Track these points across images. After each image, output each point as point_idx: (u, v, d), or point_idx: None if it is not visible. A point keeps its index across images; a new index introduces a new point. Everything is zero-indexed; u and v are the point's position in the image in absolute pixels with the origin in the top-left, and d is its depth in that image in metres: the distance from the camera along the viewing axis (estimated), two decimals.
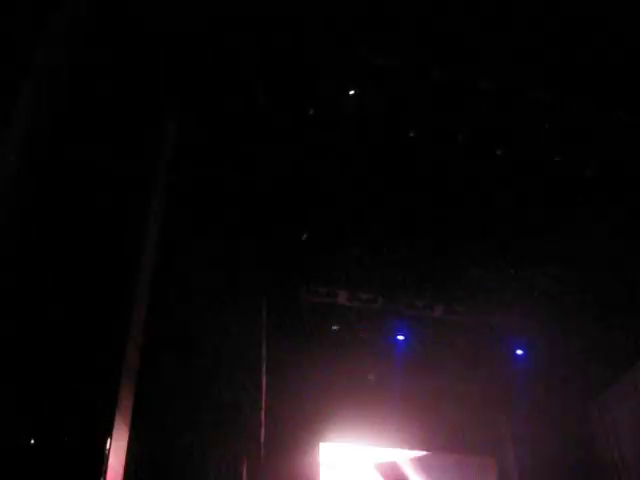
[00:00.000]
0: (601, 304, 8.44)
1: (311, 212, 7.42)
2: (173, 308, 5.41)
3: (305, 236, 7.50)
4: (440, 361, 8.93)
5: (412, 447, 9.63)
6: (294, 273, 8.11)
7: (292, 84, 6.43)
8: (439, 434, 9.39)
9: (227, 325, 6.34)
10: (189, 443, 5.36)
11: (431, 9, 6.19)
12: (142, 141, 5.03)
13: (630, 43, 6.25)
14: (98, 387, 3.70)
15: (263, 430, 6.78)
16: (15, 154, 4.25)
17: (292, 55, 6.25)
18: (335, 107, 6.63)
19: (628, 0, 6.04)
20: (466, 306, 8.71)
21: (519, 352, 9.27)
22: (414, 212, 7.49)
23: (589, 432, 9.40)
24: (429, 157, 7.08)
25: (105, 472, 3.53)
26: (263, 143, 6.63)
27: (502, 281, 8.37)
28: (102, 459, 3.53)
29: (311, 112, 6.42)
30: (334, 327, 8.80)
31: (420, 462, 9.63)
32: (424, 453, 9.68)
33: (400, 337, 9.08)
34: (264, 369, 7.20)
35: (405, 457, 9.67)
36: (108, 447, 3.60)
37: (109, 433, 3.63)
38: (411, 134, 6.80)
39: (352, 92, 6.43)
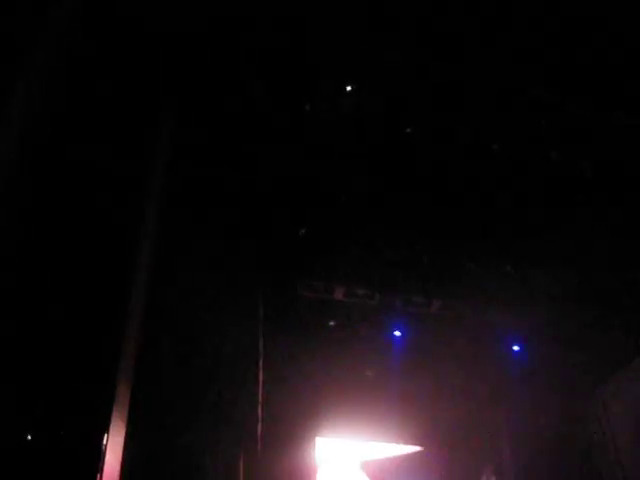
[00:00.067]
0: (601, 303, 8.45)
1: (308, 209, 7.43)
2: (171, 306, 5.42)
3: (302, 232, 7.51)
4: (437, 357, 8.96)
5: (408, 443, 9.67)
6: (291, 269, 8.12)
7: (292, 83, 6.44)
8: (436, 430, 9.44)
9: (224, 321, 6.35)
10: (186, 438, 5.37)
11: (431, 9, 6.19)
12: (141, 141, 5.03)
13: (630, 43, 6.25)
14: (95, 383, 3.72)
15: (260, 425, 6.81)
16: (14, 154, 4.26)
17: (292, 54, 6.26)
18: (334, 106, 6.64)
19: (628, 0, 6.04)
20: (463, 302, 8.73)
21: (516, 348, 9.29)
22: (412, 209, 7.50)
23: (587, 430, 9.41)
24: (428, 155, 7.09)
25: (102, 468, 3.54)
26: (263, 143, 6.64)
27: (500, 278, 8.38)
28: (99, 455, 3.54)
29: (307, 107, 6.42)
30: (331, 323, 8.81)
31: (416, 458, 9.67)
32: (420, 449, 9.72)
33: (397, 333, 9.09)
34: (261, 364, 7.23)
35: (401, 453, 9.71)
36: (105, 443, 3.61)
37: (106, 429, 3.64)
38: (408, 130, 6.81)
39: (349, 88, 6.43)
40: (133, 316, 4.25)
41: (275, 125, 6.59)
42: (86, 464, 3.55)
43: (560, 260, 8.18)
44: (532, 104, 6.80)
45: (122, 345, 3.95)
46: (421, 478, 9.58)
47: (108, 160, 4.68)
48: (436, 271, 8.26)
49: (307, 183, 7.13)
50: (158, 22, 5.56)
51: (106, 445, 3.65)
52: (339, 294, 8.47)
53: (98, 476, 3.56)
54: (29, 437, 3.49)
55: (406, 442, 9.52)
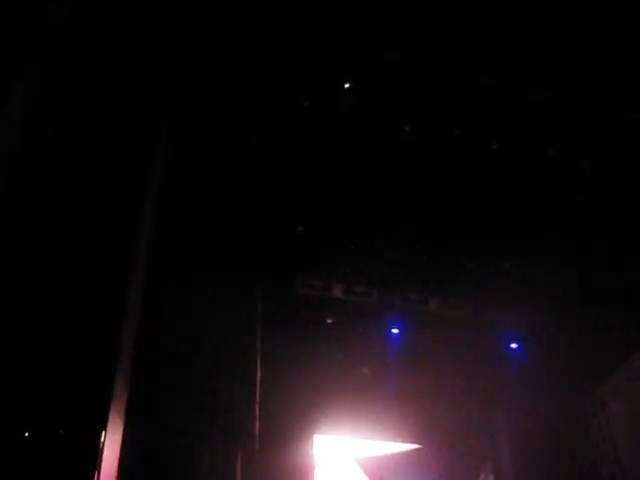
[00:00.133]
0: (600, 303, 8.44)
1: (307, 208, 7.45)
2: (169, 305, 5.45)
3: (300, 229, 7.53)
4: (435, 355, 8.97)
5: (405, 440, 9.70)
6: (289, 267, 8.14)
7: (292, 84, 6.45)
8: (433, 428, 9.46)
9: (222, 320, 6.39)
10: (183, 437, 5.41)
11: (431, 9, 6.19)
12: (141, 141, 5.06)
13: (630, 43, 6.24)
14: (93, 382, 3.75)
15: (258, 423, 6.85)
16: (14, 154, 4.29)
17: (292, 54, 6.27)
18: (334, 106, 6.65)
19: (628, 0, 6.03)
20: (461, 300, 8.73)
21: (513, 345, 9.30)
22: (411, 208, 7.51)
23: (585, 428, 9.41)
24: (427, 154, 7.10)
25: (100, 465, 3.58)
26: (262, 143, 6.66)
27: (500, 277, 8.39)
28: (96, 453, 3.58)
29: (307, 107, 6.43)
30: (329, 320, 8.83)
31: (414, 456, 9.70)
32: (418, 447, 9.75)
33: (395, 331, 9.11)
34: (259, 362, 7.26)
35: (398, 451, 9.74)
36: (103, 441, 3.64)
37: (104, 427, 3.68)
38: (406, 129, 6.82)
39: (347, 85, 6.44)
40: (131, 315, 4.29)
41: (275, 125, 6.60)
42: (84, 462, 3.59)
43: (560, 260, 8.18)
44: (532, 104, 6.80)
45: (120, 344, 3.98)
46: (419, 476, 9.61)
47: (108, 160, 4.71)
48: (435, 269, 8.27)
49: (306, 183, 7.15)
50: (158, 22, 5.57)
51: (104, 443, 3.68)
52: (337, 292, 8.49)
53: (96, 473, 3.60)
54: (28, 435, 3.52)
55: (404, 440, 9.55)
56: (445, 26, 6.28)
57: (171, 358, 5.39)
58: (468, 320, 8.96)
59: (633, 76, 6.42)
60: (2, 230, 4.00)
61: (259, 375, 7.18)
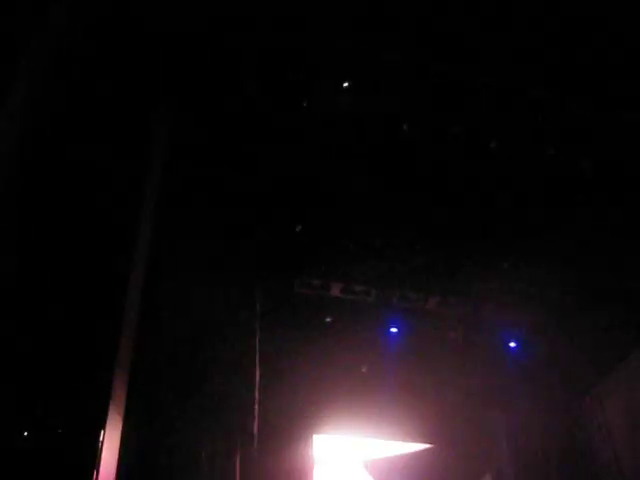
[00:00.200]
0: (599, 303, 8.44)
1: (306, 207, 7.45)
2: (168, 305, 5.47)
3: (299, 228, 7.54)
4: (433, 354, 8.97)
5: (405, 439, 9.71)
6: (288, 265, 8.14)
7: (292, 84, 6.46)
8: (431, 427, 9.45)
9: (221, 319, 6.40)
10: (182, 436, 5.43)
11: (431, 9, 6.19)
12: (141, 141, 5.07)
13: (630, 43, 6.24)
14: (92, 380, 3.77)
15: (256, 423, 6.86)
16: (15, 154, 4.31)
17: (291, 55, 6.28)
18: (334, 106, 6.66)
19: (628, 0, 6.03)
20: (460, 299, 8.73)
21: (512, 345, 9.29)
22: (410, 207, 7.51)
23: (584, 427, 9.42)
24: (427, 154, 7.10)
25: (98, 464, 3.60)
26: (262, 143, 6.67)
27: (499, 277, 8.39)
28: (95, 451, 3.60)
29: (307, 107, 6.44)
30: (327, 319, 8.83)
31: (412, 455, 9.70)
32: (416, 446, 9.75)
33: (393, 329, 9.11)
34: (258, 361, 7.27)
35: (397, 450, 9.75)
36: (102, 439, 3.66)
37: (102, 425, 3.70)
38: (406, 128, 6.83)
39: (346, 85, 6.45)
40: (130, 315, 4.31)
41: (275, 125, 6.61)
42: (83, 461, 3.61)
43: (560, 260, 8.17)
44: (532, 104, 6.79)
45: (119, 344, 4.00)
46: (421, 477, 9.61)
47: (108, 160, 4.72)
48: (434, 268, 8.27)
49: (305, 182, 7.15)
50: (158, 22, 5.58)
51: (103, 442, 3.70)
52: (336, 291, 8.50)
53: (94, 472, 3.62)
54: (27, 434, 3.54)
55: (404, 439, 9.55)
56: (445, 26, 6.28)
57: (170, 358, 5.41)
58: (467, 319, 8.97)
59: (633, 76, 6.42)
60: (2, 230, 4.01)
61: (258, 374, 7.19)
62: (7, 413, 3.56)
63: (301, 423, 8.86)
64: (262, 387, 7.27)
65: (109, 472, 3.87)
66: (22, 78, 4.44)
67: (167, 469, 5.20)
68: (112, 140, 4.85)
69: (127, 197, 4.64)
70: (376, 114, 6.74)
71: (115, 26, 5.31)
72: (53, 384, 3.69)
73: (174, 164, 5.69)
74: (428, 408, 9.19)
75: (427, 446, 9.81)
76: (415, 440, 9.73)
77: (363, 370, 9.22)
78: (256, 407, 6.92)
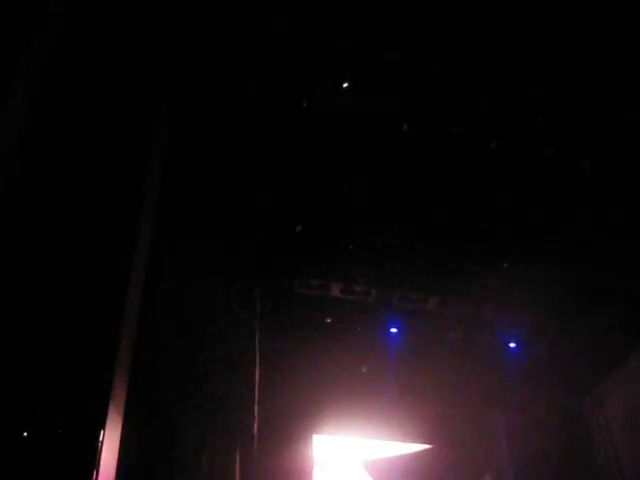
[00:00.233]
0: (599, 303, 8.45)
1: (306, 207, 7.45)
2: (168, 305, 5.47)
3: (299, 228, 7.54)
4: (434, 354, 8.96)
5: (404, 440, 9.71)
6: (288, 265, 8.15)
7: (292, 84, 6.46)
8: (431, 427, 9.45)
9: (221, 319, 6.41)
10: (182, 435, 5.43)
11: (431, 9, 6.19)
12: (141, 141, 5.07)
13: (630, 43, 6.24)
14: (91, 380, 3.77)
15: (256, 423, 6.86)
16: (15, 154, 4.31)
17: (292, 54, 6.28)
18: (334, 106, 6.66)
19: (628, 0, 6.03)
20: (460, 299, 8.73)
21: (512, 345, 9.30)
22: (410, 207, 7.51)
23: (584, 428, 9.42)
24: (427, 154, 7.10)
25: (98, 465, 3.59)
26: (262, 143, 6.67)
27: (498, 276, 8.39)
28: (95, 452, 3.60)
29: (307, 107, 6.45)
30: (327, 320, 8.83)
31: (412, 455, 9.70)
32: (416, 446, 9.75)
33: (393, 330, 9.10)
34: (257, 361, 7.27)
35: (397, 450, 9.75)
36: (101, 439, 3.66)
37: (102, 425, 3.70)
38: (406, 128, 6.83)
39: (346, 85, 6.45)
40: (130, 314, 4.31)
41: (275, 125, 6.61)
42: (83, 461, 3.61)
43: (560, 260, 8.17)
44: (532, 104, 6.80)
45: (119, 344, 4.00)
46: (418, 477, 9.61)
47: (107, 160, 4.72)
48: (434, 268, 8.27)
49: (305, 182, 7.16)
50: (158, 22, 5.59)
51: (102, 442, 3.70)
52: (336, 291, 8.50)
53: (94, 473, 3.62)
54: (27, 434, 3.54)
55: (404, 439, 9.56)
56: (445, 26, 6.28)
57: (170, 358, 5.41)
58: (467, 319, 8.97)
59: (633, 76, 6.42)
60: (2, 230, 4.01)
61: (258, 374, 7.19)
62: (7, 413, 3.56)
63: (301, 423, 8.87)
64: (262, 387, 7.27)
65: (109, 472, 3.87)
66: (22, 78, 4.44)
67: (167, 469, 5.20)
68: (112, 140, 4.85)
69: (127, 197, 4.63)
70: (376, 114, 6.73)
71: (115, 26, 5.31)
72: (53, 384, 3.69)
73: (174, 164, 5.68)
74: (428, 408, 9.19)
75: (427, 446, 9.81)
76: (415, 440, 9.73)
77: (363, 370, 9.22)
78: (256, 407, 6.92)
